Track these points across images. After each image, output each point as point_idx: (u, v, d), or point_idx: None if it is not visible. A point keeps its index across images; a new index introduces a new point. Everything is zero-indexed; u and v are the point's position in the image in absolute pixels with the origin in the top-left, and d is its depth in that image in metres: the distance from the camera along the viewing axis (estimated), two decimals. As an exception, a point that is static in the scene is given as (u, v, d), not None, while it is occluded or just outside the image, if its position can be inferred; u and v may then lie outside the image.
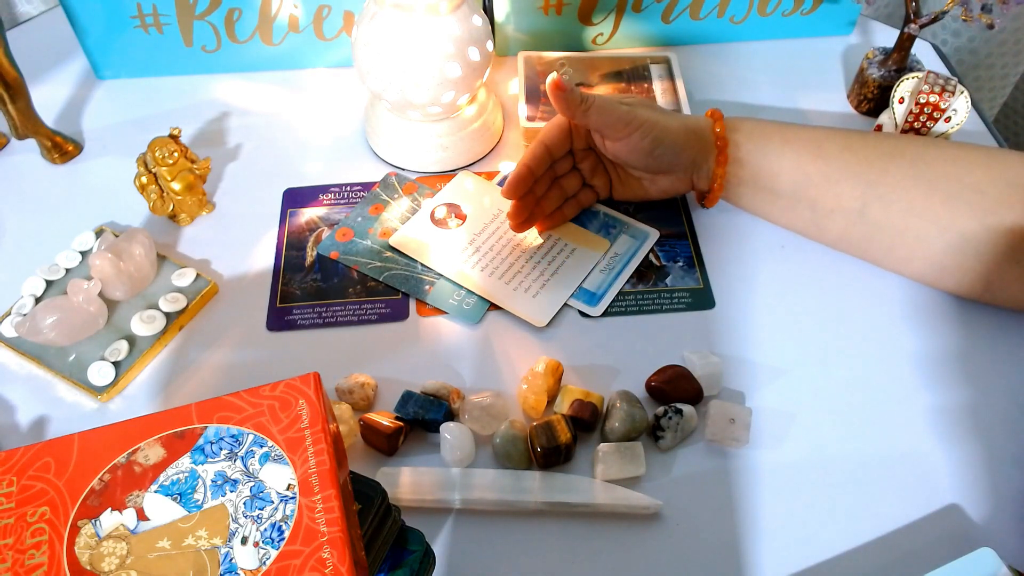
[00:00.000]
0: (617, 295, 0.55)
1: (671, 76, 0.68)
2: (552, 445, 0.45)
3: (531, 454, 0.46)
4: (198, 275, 0.55)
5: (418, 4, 0.53)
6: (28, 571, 0.31)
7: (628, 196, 0.59)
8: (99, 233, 0.57)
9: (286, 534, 0.31)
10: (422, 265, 0.56)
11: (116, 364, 0.50)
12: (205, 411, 0.34)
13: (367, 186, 0.62)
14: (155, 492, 0.33)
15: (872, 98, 0.67)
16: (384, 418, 0.46)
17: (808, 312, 0.54)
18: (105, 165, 0.64)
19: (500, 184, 0.61)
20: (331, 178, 0.62)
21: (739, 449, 0.48)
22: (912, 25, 0.62)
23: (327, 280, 0.56)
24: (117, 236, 0.55)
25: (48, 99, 0.68)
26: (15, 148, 0.65)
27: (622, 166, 0.56)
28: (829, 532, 0.44)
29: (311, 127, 0.67)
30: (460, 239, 0.57)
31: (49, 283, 0.54)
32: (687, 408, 0.47)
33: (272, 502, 0.32)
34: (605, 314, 0.54)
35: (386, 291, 0.55)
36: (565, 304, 0.54)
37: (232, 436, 0.34)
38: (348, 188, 0.61)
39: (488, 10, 0.70)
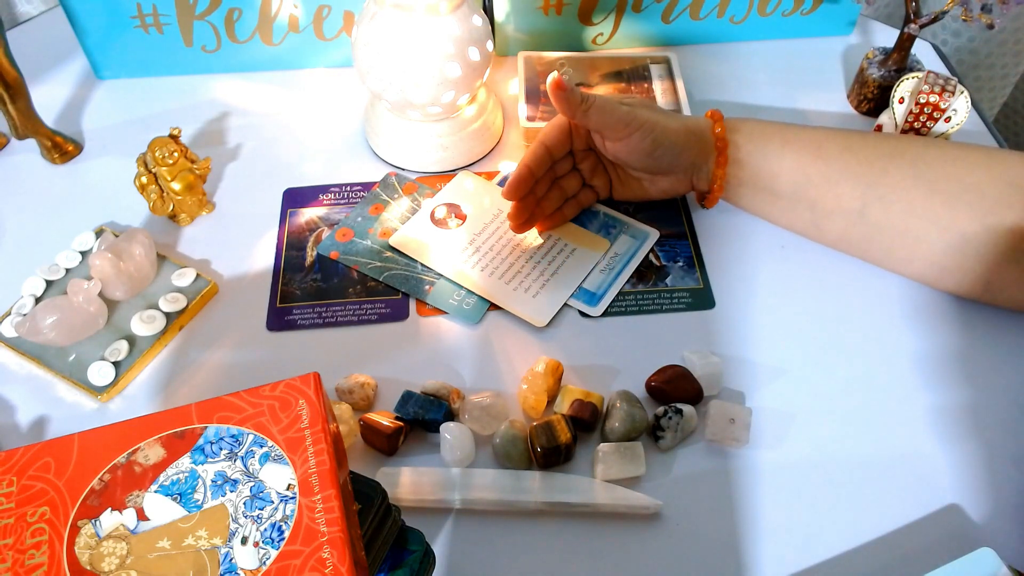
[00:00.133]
0: (617, 295, 0.55)
1: (671, 76, 0.68)
2: (552, 445, 0.45)
3: (531, 454, 0.46)
4: (198, 275, 0.55)
5: (418, 4, 0.53)
6: (28, 571, 0.31)
7: (628, 196, 0.59)
8: (99, 233, 0.57)
9: (286, 534, 0.31)
10: (422, 265, 0.56)
11: (116, 364, 0.50)
12: (205, 411, 0.34)
13: (367, 186, 0.62)
14: (155, 492, 0.33)
15: (872, 98, 0.67)
16: (384, 418, 0.46)
17: (808, 312, 0.54)
18: (105, 165, 0.64)
19: (500, 184, 0.61)
20: (331, 178, 0.62)
21: (739, 449, 0.48)
22: (912, 25, 0.62)
23: (327, 280, 0.56)
24: (117, 236, 0.55)
25: (48, 99, 0.68)
26: (15, 148, 0.65)
27: (622, 166, 0.56)
28: (829, 532, 0.44)
29: (311, 127, 0.67)
30: (460, 239, 0.57)
31: (49, 283, 0.54)
32: (687, 408, 0.47)
33: (272, 502, 0.32)
34: (605, 314, 0.54)
35: (386, 291, 0.55)
36: (565, 304, 0.54)
37: (232, 436, 0.34)
38: (348, 188, 0.61)
39: (488, 10, 0.70)
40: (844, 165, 0.52)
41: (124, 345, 0.51)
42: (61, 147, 0.63)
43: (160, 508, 0.32)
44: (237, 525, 0.32)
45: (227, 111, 0.68)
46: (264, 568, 0.31)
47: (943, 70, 0.71)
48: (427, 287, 0.55)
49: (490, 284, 0.55)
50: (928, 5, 0.83)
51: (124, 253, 0.52)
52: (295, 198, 0.61)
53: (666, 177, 0.56)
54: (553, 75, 0.51)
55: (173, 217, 0.59)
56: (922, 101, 0.58)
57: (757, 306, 0.54)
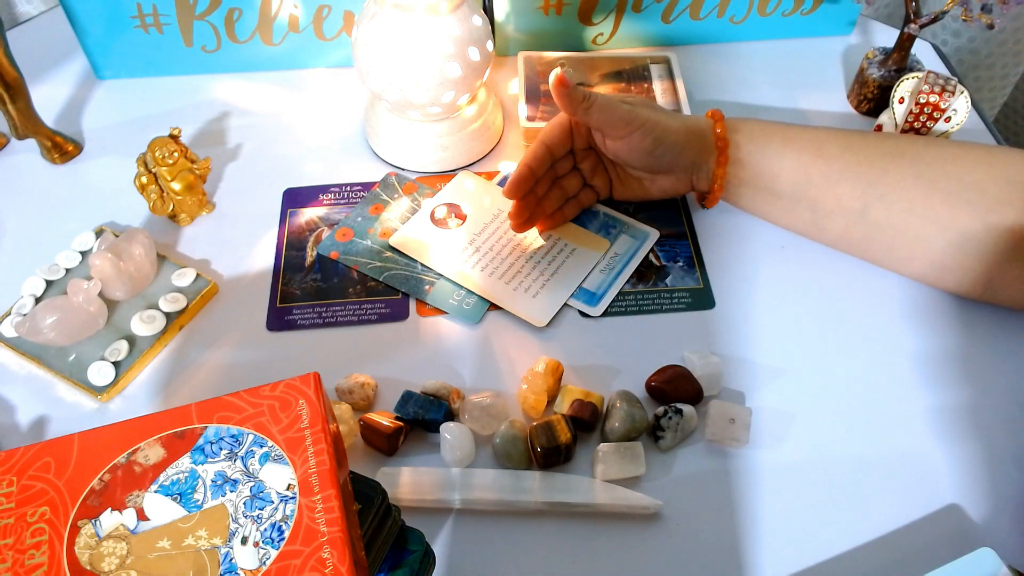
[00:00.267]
0: (617, 295, 0.55)
1: (671, 76, 0.68)
2: (552, 445, 0.45)
3: (531, 454, 0.46)
4: (198, 275, 0.55)
5: (418, 4, 0.53)
6: (28, 571, 0.31)
7: (628, 196, 0.59)
8: (99, 233, 0.57)
9: (286, 534, 0.31)
10: (422, 265, 0.56)
11: (116, 364, 0.50)
12: (205, 411, 0.34)
13: (367, 186, 0.62)
14: (155, 492, 0.33)
15: (872, 98, 0.67)
16: (384, 418, 0.46)
17: (808, 312, 0.54)
18: (105, 165, 0.64)
19: (500, 184, 0.61)
20: (331, 178, 0.62)
21: (739, 449, 0.48)
22: (912, 25, 0.62)
23: (327, 280, 0.56)
24: (117, 236, 0.55)
25: (48, 99, 0.68)
26: (15, 148, 0.65)
27: (622, 166, 0.56)
28: (829, 532, 0.44)
29: (311, 127, 0.67)
30: (460, 239, 0.57)
31: (49, 283, 0.54)
32: (687, 408, 0.47)
33: (272, 502, 0.32)
34: (605, 314, 0.54)
35: (386, 291, 0.55)
36: (565, 304, 0.54)
37: (232, 436, 0.34)
38: (348, 188, 0.61)
39: (488, 10, 0.70)
40: (845, 165, 0.52)
41: (124, 345, 0.51)
42: (61, 147, 0.63)
43: (160, 508, 0.32)
44: (237, 525, 0.32)
45: (227, 111, 0.68)
46: (264, 568, 0.31)
47: (943, 70, 0.71)
48: (427, 287, 0.55)
49: (490, 284, 0.55)
50: (928, 5, 0.83)
51: (124, 253, 0.52)
52: (295, 198, 0.61)
53: (666, 177, 0.56)
54: (556, 71, 0.51)
55: (173, 217, 0.59)
56: (922, 101, 0.58)
57: (757, 306, 0.54)
